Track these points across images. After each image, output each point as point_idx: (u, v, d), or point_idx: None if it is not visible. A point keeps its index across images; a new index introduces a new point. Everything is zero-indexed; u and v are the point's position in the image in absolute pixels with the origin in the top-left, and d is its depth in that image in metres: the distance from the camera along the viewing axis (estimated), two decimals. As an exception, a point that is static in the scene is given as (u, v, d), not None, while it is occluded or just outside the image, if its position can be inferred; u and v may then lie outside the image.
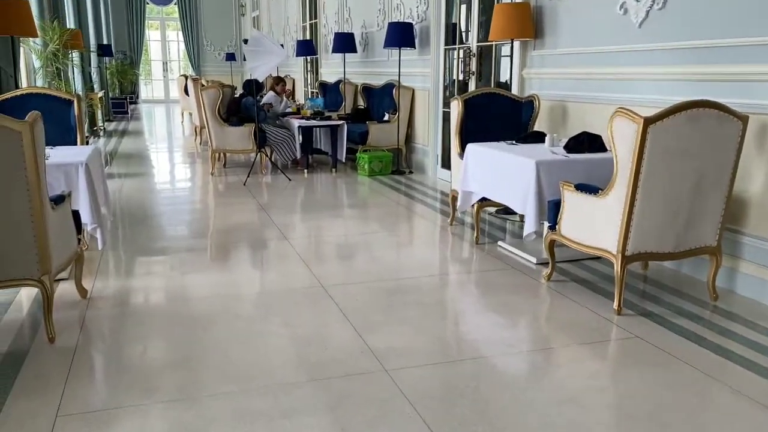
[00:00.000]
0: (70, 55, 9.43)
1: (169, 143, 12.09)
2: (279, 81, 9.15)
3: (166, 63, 21.61)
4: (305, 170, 8.16)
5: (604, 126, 3.51)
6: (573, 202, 3.77)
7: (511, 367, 2.95)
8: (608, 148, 3.53)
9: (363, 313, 3.54)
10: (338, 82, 10.56)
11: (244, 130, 7.84)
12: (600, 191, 3.56)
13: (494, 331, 3.38)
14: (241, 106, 8.16)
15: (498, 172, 4.49)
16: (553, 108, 5.55)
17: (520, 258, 4.53)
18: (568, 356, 3.07)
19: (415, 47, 7.94)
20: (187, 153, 10.51)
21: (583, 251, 3.77)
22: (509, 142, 4.79)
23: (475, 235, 4.91)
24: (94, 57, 14.26)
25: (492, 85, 6.60)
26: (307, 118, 8.24)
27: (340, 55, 10.50)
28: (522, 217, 5.43)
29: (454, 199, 5.44)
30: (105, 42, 16.06)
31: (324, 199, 6.81)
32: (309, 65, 13.73)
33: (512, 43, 5.80)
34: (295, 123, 8.04)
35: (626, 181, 3.35)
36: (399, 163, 8.25)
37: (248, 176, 7.53)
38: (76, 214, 3.73)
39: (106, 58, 16.01)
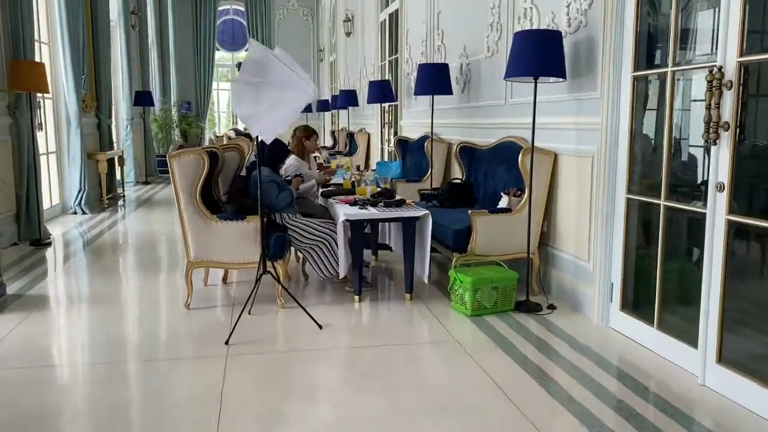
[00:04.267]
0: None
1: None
2: (308, 133, 5.47)
3: (235, 114, 18.73)
4: (357, 296, 4.37)
5: None
6: None
7: None
8: None
9: None
10: (423, 139, 6.82)
11: (246, 227, 4.15)
12: None
13: None
14: (250, 185, 4.51)
15: None
16: None
17: None
18: None
19: (563, 77, 4.09)
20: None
21: None
22: None
23: None
24: (125, 106, 11.27)
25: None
26: (364, 203, 4.49)
27: (426, 100, 6.80)
28: None
29: None
30: (151, 88, 13.13)
31: (385, 407, 2.94)
32: (388, 115, 10.11)
33: None
34: (340, 212, 4.30)
35: None
36: (528, 286, 4.32)
37: (237, 324, 3.78)
38: None
39: (151, 107, 13.04)
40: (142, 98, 11.65)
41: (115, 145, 10.29)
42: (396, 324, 3.98)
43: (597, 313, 3.94)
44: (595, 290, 3.96)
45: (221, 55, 18.40)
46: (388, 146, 9.60)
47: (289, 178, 4.84)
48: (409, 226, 4.34)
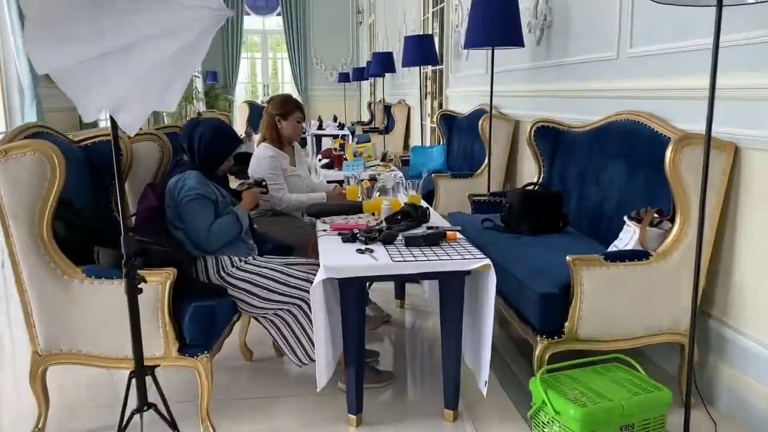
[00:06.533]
0: None
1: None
2: (287, 108, 3.33)
3: (266, 86, 16.70)
4: (354, 415, 2.29)
5: None
6: None
7: None
8: None
9: None
10: (477, 115, 4.66)
11: (146, 291, 2.11)
12: None
13: None
14: (168, 205, 2.45)
15: None
16: None
17: None
18: None
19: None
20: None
21: None
22: None
23: None
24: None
25: None
26: (368, 236, 2.38)
27: (481, 59, 4.66)
28: None
29: None
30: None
31: None
32: (430, 82, 7.91)
33: None
34: (321, 258, 2.22)
35: None
36: (687, 404, 2.16)
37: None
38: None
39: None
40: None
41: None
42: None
43: None
44: None
45: (251, 21, 16.35)
46: (431, 123, 7.44)
47: (248, 184, 2.76)
48: (452, 288, 2.23)
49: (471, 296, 2.30)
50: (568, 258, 2.23)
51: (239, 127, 12.32)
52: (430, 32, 7.43)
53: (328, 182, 3.85)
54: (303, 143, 10.15)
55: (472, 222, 3.23)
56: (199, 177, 2.41)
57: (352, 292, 2.18)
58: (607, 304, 2.27)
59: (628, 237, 2.41)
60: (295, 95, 15.89)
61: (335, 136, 8.56)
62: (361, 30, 15.33)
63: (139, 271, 2.06)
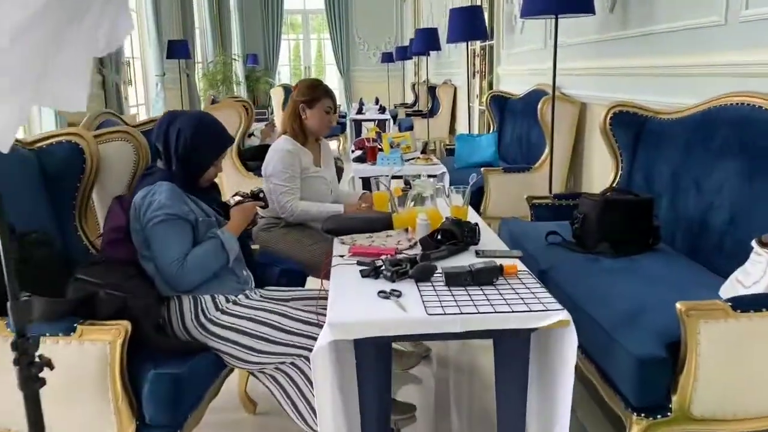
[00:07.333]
0: None
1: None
2: (314, 94, 2.65)
3: (308, 68, 16.11)
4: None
5: None
6: None
7: None
8: None
9: None
10: (535, 97, 3.94)
11: (81, 352, 1.53)
12: None
13: None
14: (134, 229, 1.87)
15: None
16: None
17: None
18: None
19: None
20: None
21: None
22: None
23: None
24: (154, 59, 8.96)
25: None
26: (396, 269, 1.74)
27: (539, 32, 3.94)
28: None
29: None
30: (197, 37, 10.76)
31: None
32: (479, 60, 7.16)
33: None
34: (329, 303, 1.60)
35: None
36: None
37: None
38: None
39: (200, 62, 10.73)
40: (177, 49, 9.27)
41: (135, 109, 8.06)
42: None
43: None
44: None
45: (291, 1, 15.77)
46: (479, 105, 6.71)
47: (241, 196, 2.16)
48: (512, 348, 1.58)
49: (538, 352, 1.66)
50: (678, 306, 1.56)
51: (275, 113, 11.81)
52: (478, 4, 6.68)
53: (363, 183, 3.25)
54: (342, 129, 9.52)
55: (532, 234, 2.57)
56: (171, 190, 1.81)
57: (371, 353, 1.56)
58: (734, 370, 1.59)
59: (760, 271, 1.71)
60: (337, 77, 15.34)
61: (375, 121, 7.89)
62: (406, 6, 14.59)
63: (79, 326, 1.50)
